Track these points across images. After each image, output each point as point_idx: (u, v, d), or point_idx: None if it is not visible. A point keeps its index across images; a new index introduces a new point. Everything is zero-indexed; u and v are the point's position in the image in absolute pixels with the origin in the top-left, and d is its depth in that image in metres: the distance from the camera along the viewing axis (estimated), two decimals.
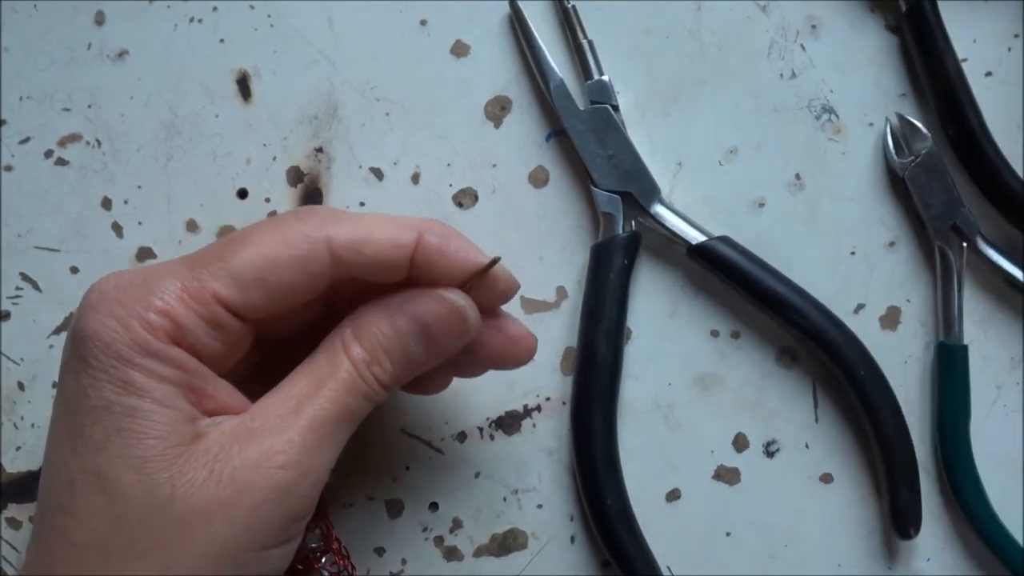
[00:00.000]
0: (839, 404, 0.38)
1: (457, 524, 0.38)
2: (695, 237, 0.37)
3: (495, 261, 0.31)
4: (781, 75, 0.39)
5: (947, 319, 0.38)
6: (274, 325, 0.31)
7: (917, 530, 0.37)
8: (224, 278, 0.29)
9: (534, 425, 0.38)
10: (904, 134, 0.38)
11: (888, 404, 0.37)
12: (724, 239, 0.37)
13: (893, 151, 0.38)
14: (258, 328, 0.30)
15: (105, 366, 0.28)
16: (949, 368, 0.38)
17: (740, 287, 0.37)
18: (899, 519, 0.37)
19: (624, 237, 0.37)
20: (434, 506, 0.38)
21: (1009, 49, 0.39)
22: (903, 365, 0.39)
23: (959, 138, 0.37)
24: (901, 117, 0.38)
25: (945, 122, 0.37)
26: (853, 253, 0.38)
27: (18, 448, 0.38)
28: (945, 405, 0.38)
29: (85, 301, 0.29)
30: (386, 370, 0.31)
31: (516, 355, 0.34)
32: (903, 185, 0.38)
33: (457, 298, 0.31)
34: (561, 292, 0.38)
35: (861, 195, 0.38)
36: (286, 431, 0.29)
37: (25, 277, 0.38)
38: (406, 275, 0.31)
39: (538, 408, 0.38)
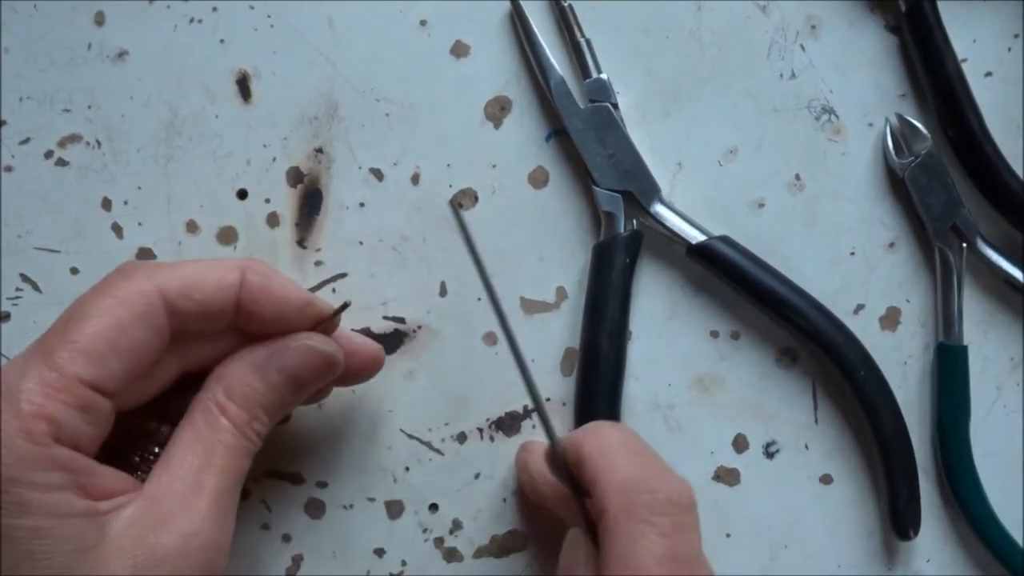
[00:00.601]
0: (839, 405, 0.38)
1: (457, 525, 0.38)
2: (695, 236, 0.37)
3: (345, 306, 0.33)
4: (781, 75, 0.39)
5: (947, 320, 0.38)
6: (128, 398, 0.31)
7: (916, 531, 0.37)
8: (79, 358, 0.28)
9: (534, 426, 0.38)
10: (904, 134, 0.38)
11: (887, 405, 0.37)
12: (724, 239, 0.37)
13: (893, 151, 0.38)
14: (117, 402, 0.30)
15: None
16: (949, 369, 0.38)
17: (740, 287, 0.37)
18: (898, 520, 0.37)
19: (626, 236, 0.37)
20: (434, 507, 0.38)
21: (1009, 49, 0.39)
22: (902, 366, 0.39)
23: (959, 138, 0.37)
24: (901, 117, 0.38)
25: (945, 122, 0.37)
26: (853, 253, 0.38)
27: None
28: (945, 406, 0.38)
29: None
30: (264, 423, 0.32)
31: (373, 371, 0.35)
32: (903, 185, 0.38)
33: (324, 344, 0.33)
34: (561, 292, 0.38)
35: (861, 195, 0.38)
36: (195, 511, 0.30)
37: (25, 278, 0.38)
38: (232, 318, 0.32)
39: None
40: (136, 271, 0.30)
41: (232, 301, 0.31)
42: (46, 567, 0.27)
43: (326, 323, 0.33)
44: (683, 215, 0.37)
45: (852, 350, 0.37)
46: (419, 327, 0.38)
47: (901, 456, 0.37)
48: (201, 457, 0.30)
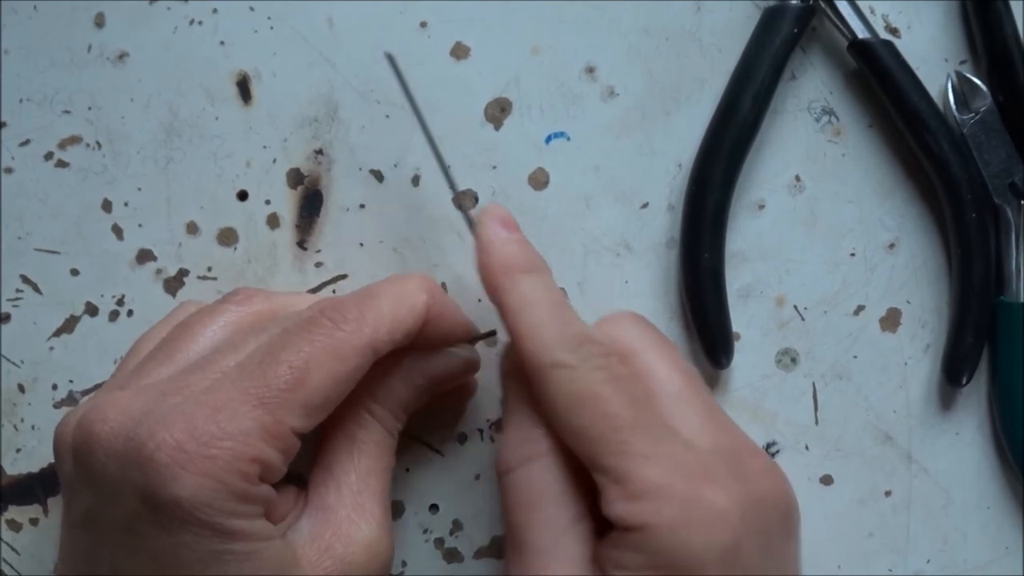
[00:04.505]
0: (839, 405, 0.38)
1: (457, 526, 0.38)
2: (861, 31, 0.37)
3: (493, 333, 0.36)
4: (781, 76, 0.38)
5: (1005, 277, 0.38)
6: None
7: (969, 379, 0.37)
8: (299, 412, 0.29)
9: None
10: (964, 92, 0.38)
11: (984, 252, 0.37)
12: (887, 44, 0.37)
13: (954, 107, 0.37)
14: None
15: (207, 523, 0.28)
16: (1006, 325, 0.37)
17: (889, 92, 0.37)
18: (954, 363, 0.37)
19: (799, 6, 0.37)
20: (434, 508, 0.38)
21: None
22: (903, 367, 0.39)
23: (1010, 103, 0.37)
24: (960, 75, 0.38)
25: (996, 87, 0.37)
26: (853, 255, 0.38)
27: (18, 450, 0.38)
28: (1002, 362, 0.38)
29: (160, 456, 0.28)
30: (404, 421, 0.34)
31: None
32: (964, 142, 0.37)
33: (467, 352, 0.35)
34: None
35: (861, 197, 0.38)
36: (372, 516, 0.32)
37: (25, 279, 0.38)
38: None
39: None
40: (344, 321, 0.31)
41: (419, 330, 0.32)
42: None
43: (471, 343, 0.35)
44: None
45: (970, 186, 0.37)
46: None
47: (979, 301, 0.37)
48: (361, 462, 0.32)
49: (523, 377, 0.31)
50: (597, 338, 0.31)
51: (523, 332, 0.31)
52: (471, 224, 0.34)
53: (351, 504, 0.32)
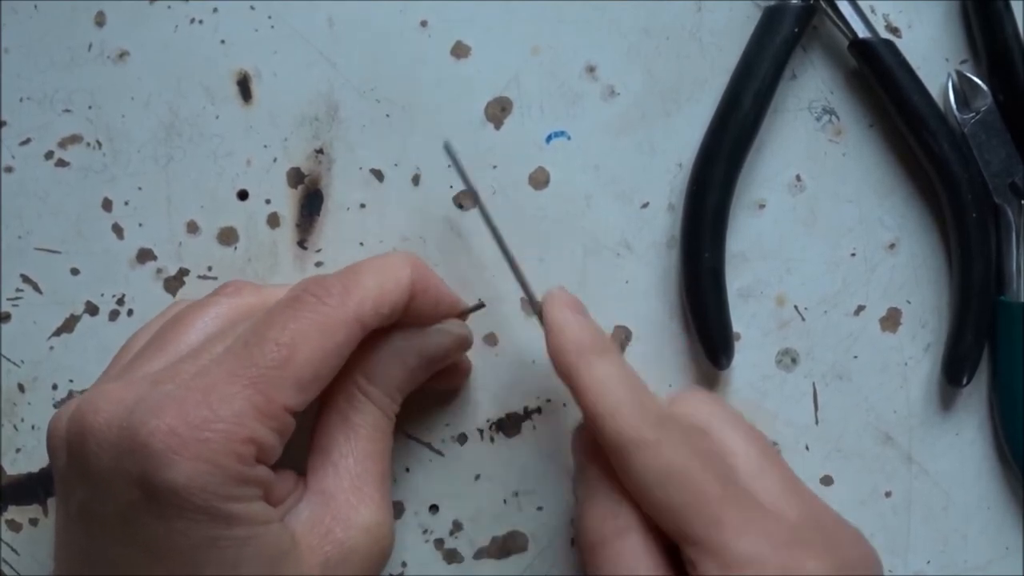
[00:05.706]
0: (840, 405, 0.38)
1: (457, 526, 0.38)
2: (861, 31, 0.37)
3: (481, 306, 0.36)
4: (781, 76, 0.38)
5: (1005, 277, 0.38)
6: None
7: (970, 379, 0.37)
8: (290, 389, 0.29)
9: (534, 427, 0.38)
10: (964, 91, 0.38)
11: (984, 252, 0.37)
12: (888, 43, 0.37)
13: (955, 107, 0.37)
14: None
15: (204, 508, 0.28)
16: (1006, 325, 0.37)
17: (890, 91, 0.37)
18: (954, 363, 0.37)
19: (799, 5, 0.37)
20: (434, 508, 0.38)
21: None
22: (903, 367, 0.39)
23: (1010, 103, 0.37)
24: (961, 75, 0.38)
25: (996, 87, 0.37)
26: (853, 254, 0.38)
27: (18, 450, 0.38)
28: (1002, 363, 0.38)
29: (153, 442, 0.28)
30: (399, 402, 0.34)
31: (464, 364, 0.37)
32: (964, 141, 0.37)
33: (459, 328, 0.35)
34: None
35: (861, 196, 0.38)
36: (371, 500, 0.32)
37: (25, 279, 0.38)
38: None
39: (538, 410, 0.38)
40: (328, 296, 0.31)
41: (405, 304, 0.32)
42: (255, 572, 0.29)
43: (463, 316, 0.35)
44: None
45: (970, 186, 0.37)
46: None
47: (979, 302, 0.37)
48: (358, 444, 0.32)
49: (600, 454, 0.32)
50: (676, 415, 0.32)
51: (604, 412, 0.31)
52: (537, 309, 0.34)
53: (350, 488, 0.31)
